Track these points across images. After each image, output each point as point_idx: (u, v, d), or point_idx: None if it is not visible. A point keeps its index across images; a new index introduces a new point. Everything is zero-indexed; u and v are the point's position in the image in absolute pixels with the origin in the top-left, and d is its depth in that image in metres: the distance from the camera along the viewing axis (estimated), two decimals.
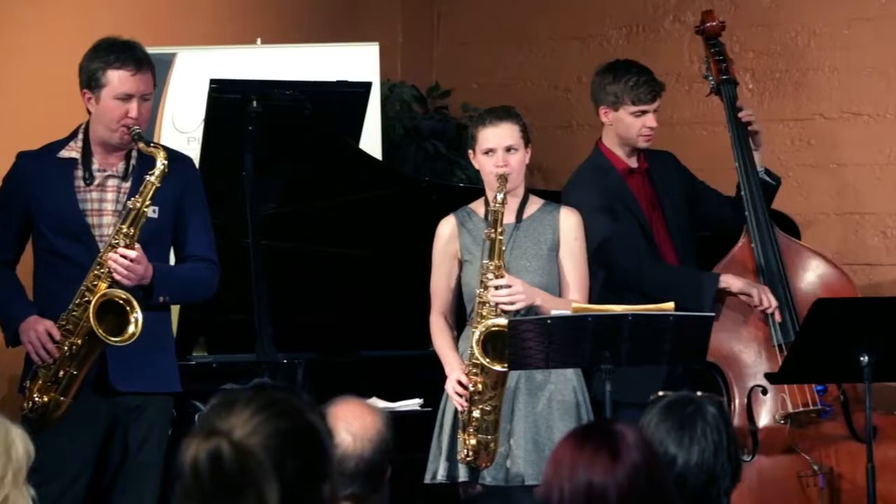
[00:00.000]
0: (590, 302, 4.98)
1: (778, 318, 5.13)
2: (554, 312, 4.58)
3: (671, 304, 4.60)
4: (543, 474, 2.57)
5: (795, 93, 6.50)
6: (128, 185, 4.69)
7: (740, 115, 5.38)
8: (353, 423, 3.33)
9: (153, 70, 4.72)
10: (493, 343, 4.67)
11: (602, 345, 4.48)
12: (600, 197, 5.21)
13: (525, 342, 4.50)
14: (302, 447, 2.22)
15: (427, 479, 4.88)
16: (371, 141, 5.86)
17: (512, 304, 4.70)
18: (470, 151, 4.97)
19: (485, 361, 4.65)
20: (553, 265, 4.91)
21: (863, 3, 6.34)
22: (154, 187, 4.55)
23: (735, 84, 5.45)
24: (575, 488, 2.48)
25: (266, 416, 2.22)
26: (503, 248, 4.75)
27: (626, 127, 5.28)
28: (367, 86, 5.47)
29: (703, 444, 3.06)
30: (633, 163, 5.36)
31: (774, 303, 5.12)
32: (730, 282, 5.14)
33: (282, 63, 5.98)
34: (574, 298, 4.84)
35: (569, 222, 4.95)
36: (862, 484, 4.71)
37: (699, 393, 3.17)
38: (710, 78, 5.47)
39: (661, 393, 3.21)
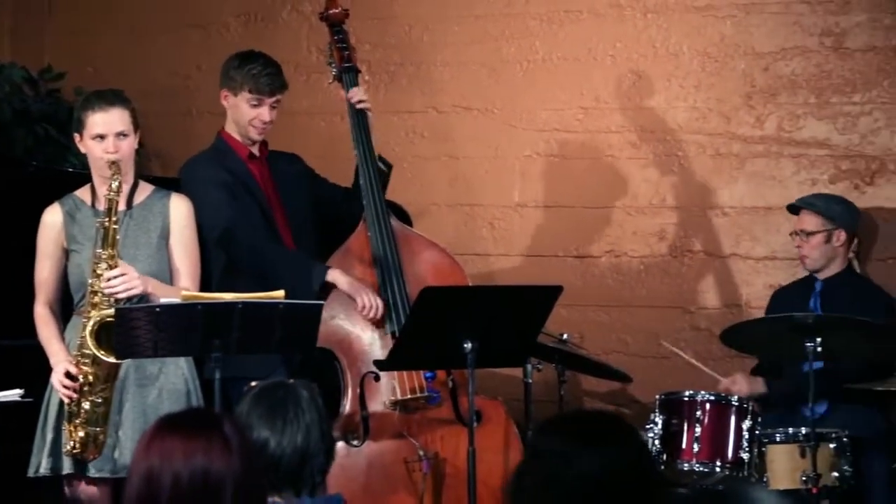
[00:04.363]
0: (211, 285, 4.98)
1: (379, 313, 5.17)
2: (163, 300, 4.53)
3: (281, 293, 4.62)
4: (142, 461, 2.53)
5: (409, 86, 6.65)
6: None
7: (350, 95, 5.41)
8: None
9: None
10: (106, 333, 4.58)
11: (212, 333, 4.46)
12: (220, 175, 5.22)
13: (134, 330, 4.44)
14: None
15: (30, 473, 4.75)
16: None
17: (127, 291, 4.63)
18: (76, 135, 4.86)
19: (98, 353, 4.56)
20: (163, 252, 4.86)
21: (472, 0, 6.54)
22: None
23: (357, 72, 5.50)
24: (192, 475, 2.49)
25: None
26: (117, 236, 4.66)
27: (241, 114, 5.30)
28: None
29: (296, 425, 3.16)
30: (254, 150, 5.38)
31: (376, 305, 5.16)
32: (337, 278, 5.16)
33: None
34: (185, 286, 4.81)
35: (179, 209, 4.91)
36: (463, 467, 4.84)
37: (291, 380, 3.25)
38: (333, 65, 5.49)
39: (253, 383, 3.27)
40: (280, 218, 5.35)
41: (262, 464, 2.67)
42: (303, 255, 5.26)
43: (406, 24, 6.67)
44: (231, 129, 5.36)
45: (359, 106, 5.41)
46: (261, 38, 6.60)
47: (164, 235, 4.88)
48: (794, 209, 5.78)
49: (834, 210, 5.69)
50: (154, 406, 4.75)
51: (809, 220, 5.69)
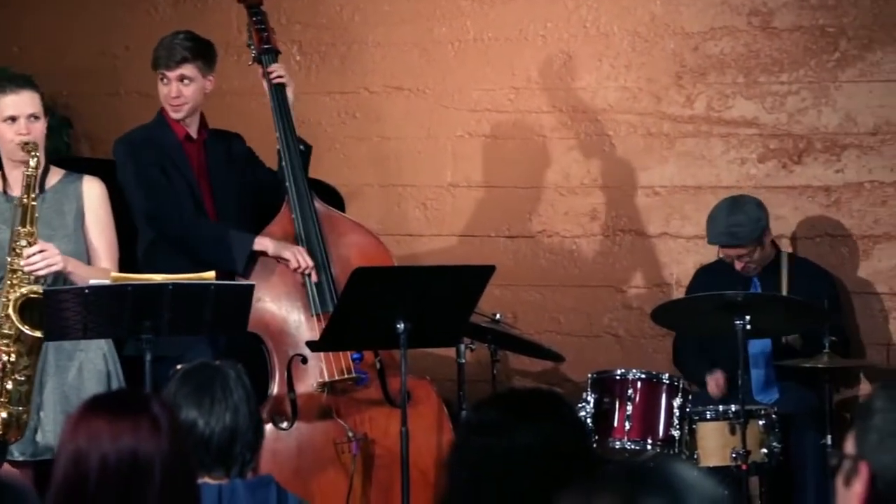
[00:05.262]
0: (135, 262, 4.95)
1: (315, 279, 5.17)
2: (92, 282, 4.51)
3: (212, 274, 4.61)
4: (69, 443, 2.51)
5: (341, 66, 6.63)
6: None
7: (269, 70, 5.37)
8: None
9: None
10: (30, 310, 4.55)
11: (142, 314, 4.45)
12: (153, 156, 5.19)
13: (63, 312, 4.41)
14: None
15: None
16: None
17: (48, 267, 4.60)
18: None
19: (23, 327, 4.52)
20: (80, 234, 4.86)
21: None
22: None
23: (276, 53, 5.48)
24: (120, 456, 2.46)
25: None
26: (36, 214, 4.63)
27: (160, 93, 5.28)
28: None
29: (224, 404, 3.18)
30: (192, 132, 5.33)
31: (310, 262, 5.17)
32: (265, 244, 5.15)
33: None
34: (105, 267, 4.79)
35: (93, 191, 4.90)
36: (393, 447, 4.87)
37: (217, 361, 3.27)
38: (252, 47, 5.47)
39: (178, 367, 3.27)
40: (209, 204, 5.31)
41: (191, 444, 2.65)
42: (226, 227, 5.21)
43: (337, 4, 6.64)
44: None
45: (276, 80, 5.36)
46: (190, 18, 6.56)
47: (80, 218, 4.86)
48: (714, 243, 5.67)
49: (755, 228, 5.57)
50: (74, 386, 4.74)
51: (738, 250, 5.64)
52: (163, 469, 2.46)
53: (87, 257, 4.85)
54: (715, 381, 5.61)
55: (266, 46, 5.44)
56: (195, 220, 5.18)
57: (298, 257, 5.16)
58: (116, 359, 4.85)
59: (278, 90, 5.38)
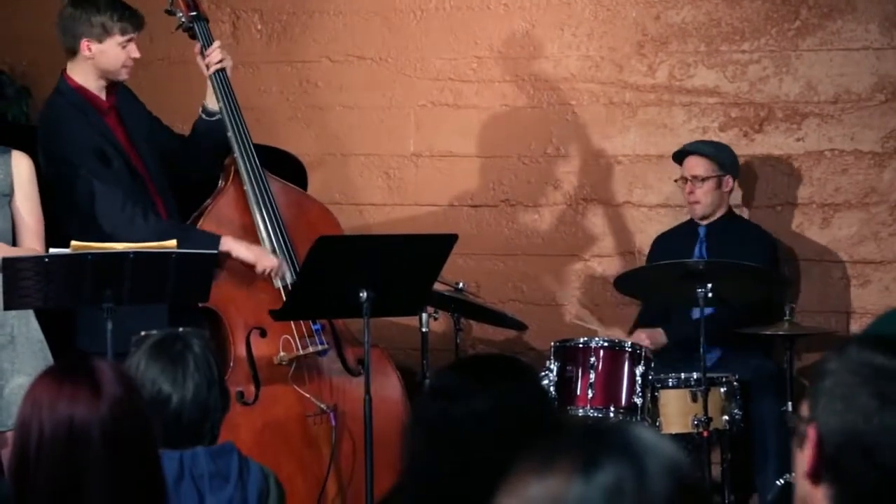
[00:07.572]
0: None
1: (288, 277, 5.07)
2: (52, 251, 4.48)
3: (173, 242, 4.57)
4: (19, 411, 2.51)
5: (303, 35, 6.60)
6: None
7: (206, 53, 5.21)
8: None
9: None
10: None
11: (103, 283, 4.41)
12: (89, 138, 5.00)
13: (21, 281, 4.38)
14: None
15: None
16: None
17: None
18: None
19: None
20: (6, 210, 4.77)
21: None
22: None
23: (207, 21, 5.29)
24: (56, 425, 2.43)
25: None
26: None
27: (112, 59, 5.05)
28: None
29: (197, 378, 3.12)
30: (104, 98, 5.13)
31: (276, 263, 5.06)
32: (231, 246, 5.00)
33: None
34: (33, 246, 4.74)
35: (21, 166, 4.80)
36: (359, 416, 4.85)
37: (181, 329, 3.21)
38: (179, 14, 5.24)
39: (143, 333, 3.21)
40: (143, 174, 5.14)
41: (145, 412, 2.57)
42: (188, 227, 5.10)
43: None
44: (83, 79, 5.08)
45: (219, 66, 5.20)
46: None
47: (8, 193, 4.77)
48: (681, 155, 5.84)
49: (723, 156, 5.78)
50: (8, 357, 4.71)
51: (700, 165, 5.76)
52: (102, 436, 2.41)
53: (12, 235, 4.76)
54: (648, 335, 5.63)
55: (193, 14, 5.24)
56: (149, 218, 4.97)
57: (263, 261, 5.03)
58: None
59: (219, 72, 5.20)
